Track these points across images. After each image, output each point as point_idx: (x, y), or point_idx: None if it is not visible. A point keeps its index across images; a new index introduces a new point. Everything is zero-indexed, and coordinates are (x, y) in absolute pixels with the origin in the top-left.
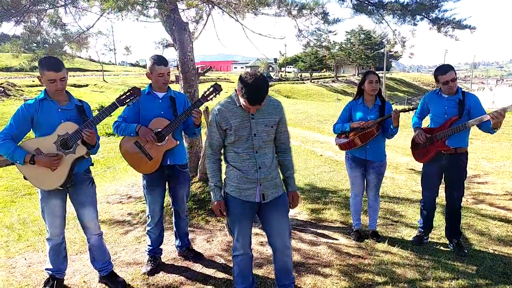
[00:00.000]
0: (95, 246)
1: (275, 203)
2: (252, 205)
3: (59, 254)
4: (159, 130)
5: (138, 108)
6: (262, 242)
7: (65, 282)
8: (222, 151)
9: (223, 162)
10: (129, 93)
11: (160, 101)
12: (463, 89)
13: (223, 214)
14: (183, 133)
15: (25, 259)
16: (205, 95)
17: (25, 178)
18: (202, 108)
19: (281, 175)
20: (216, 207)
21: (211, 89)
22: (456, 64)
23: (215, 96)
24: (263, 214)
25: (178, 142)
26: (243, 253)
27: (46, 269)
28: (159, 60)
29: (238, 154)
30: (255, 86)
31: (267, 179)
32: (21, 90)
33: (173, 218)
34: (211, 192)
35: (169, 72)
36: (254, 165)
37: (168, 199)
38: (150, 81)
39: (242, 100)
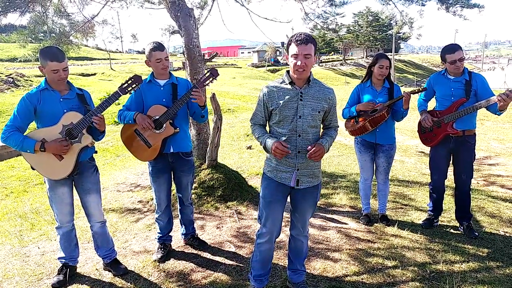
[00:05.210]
0: (98, 234)
1: (308, 192)
2: (285, 188)
3: (70, 242)
4: (157, 117)
5: (141, 96)
6: None
7: (78, 270)
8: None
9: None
10: (130, 81)
11: (162, 88)
12: (470, 70)
13: (286, 148)
14: (191, 120)
15: (38, 247)
16: (201, 80)
17: (32, 168)
18: (209, 94)
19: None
20: (277, 145)
21: (207, 74)
22: (467, 44)
23: (211, 82)
24: (292, 200)
25: (177, 130)
26: (267, 241)
27: (59, 258)
28: (155, 46)
29: (280, 136)
30: (300, 32)
31: (305, 166)
32: (30, 81)
33: (178, 206)
34: (266, 145)
35: (167, 57)
36: (294, 149)
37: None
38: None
39: (291, 49)
